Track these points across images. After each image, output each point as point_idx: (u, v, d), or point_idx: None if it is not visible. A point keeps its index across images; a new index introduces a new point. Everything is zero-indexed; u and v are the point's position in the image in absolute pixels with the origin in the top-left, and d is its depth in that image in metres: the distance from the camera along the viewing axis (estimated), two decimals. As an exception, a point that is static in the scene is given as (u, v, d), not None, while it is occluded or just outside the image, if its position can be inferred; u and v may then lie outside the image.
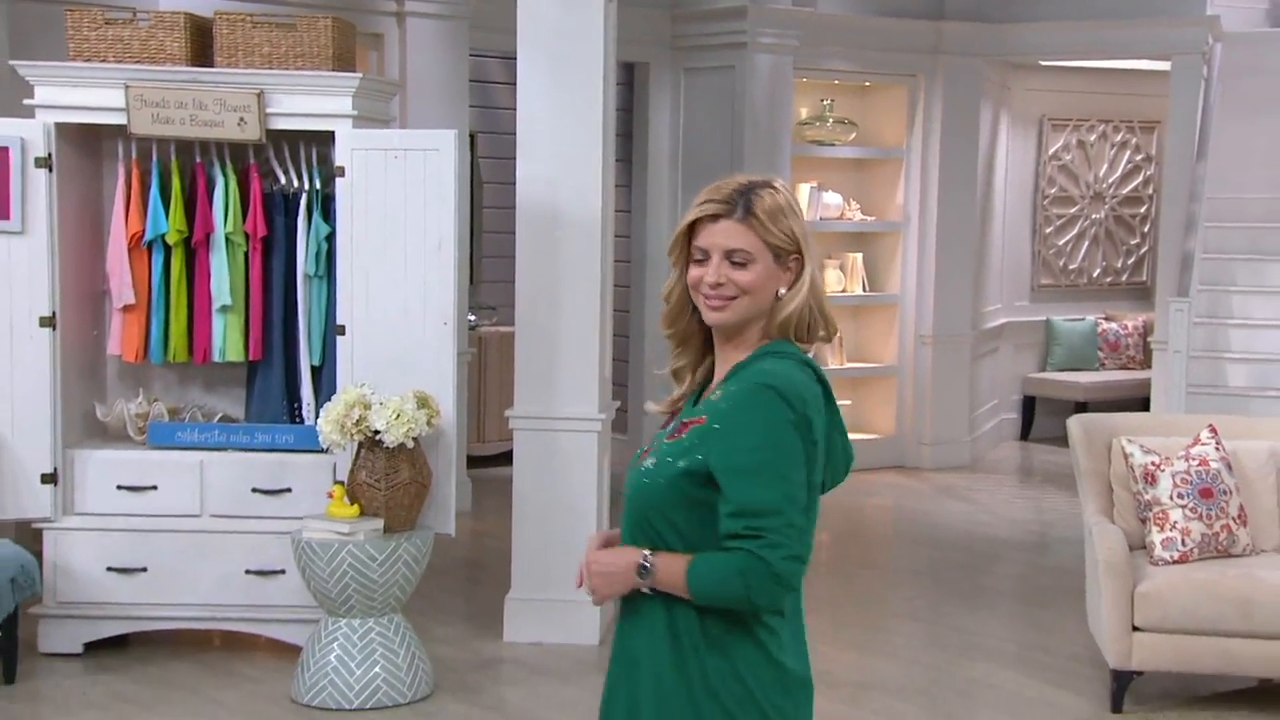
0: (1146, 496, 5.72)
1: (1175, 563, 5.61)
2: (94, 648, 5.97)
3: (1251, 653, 5.45)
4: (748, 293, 2.55)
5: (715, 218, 2.55)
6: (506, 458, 7.52)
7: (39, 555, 5.85)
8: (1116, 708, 5.54)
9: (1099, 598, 5.57)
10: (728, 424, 2.51)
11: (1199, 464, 5.72)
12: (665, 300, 2.69)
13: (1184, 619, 5.43)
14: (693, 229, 2.60)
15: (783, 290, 2.58)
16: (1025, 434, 11.82)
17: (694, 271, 2.59)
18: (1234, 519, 5.69)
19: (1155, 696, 5.73)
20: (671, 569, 2.54)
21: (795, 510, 2.47)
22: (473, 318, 9.68)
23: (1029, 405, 11.85)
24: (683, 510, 2.55)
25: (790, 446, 2.48)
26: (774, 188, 2.58)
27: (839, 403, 2.66)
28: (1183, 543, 5.62)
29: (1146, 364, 11.06)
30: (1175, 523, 5.64)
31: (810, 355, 2.61)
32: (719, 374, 2.64)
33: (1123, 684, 5.55)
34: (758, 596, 2.48)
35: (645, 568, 2.55)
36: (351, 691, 5.41)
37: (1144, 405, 10.09)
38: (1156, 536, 5.65)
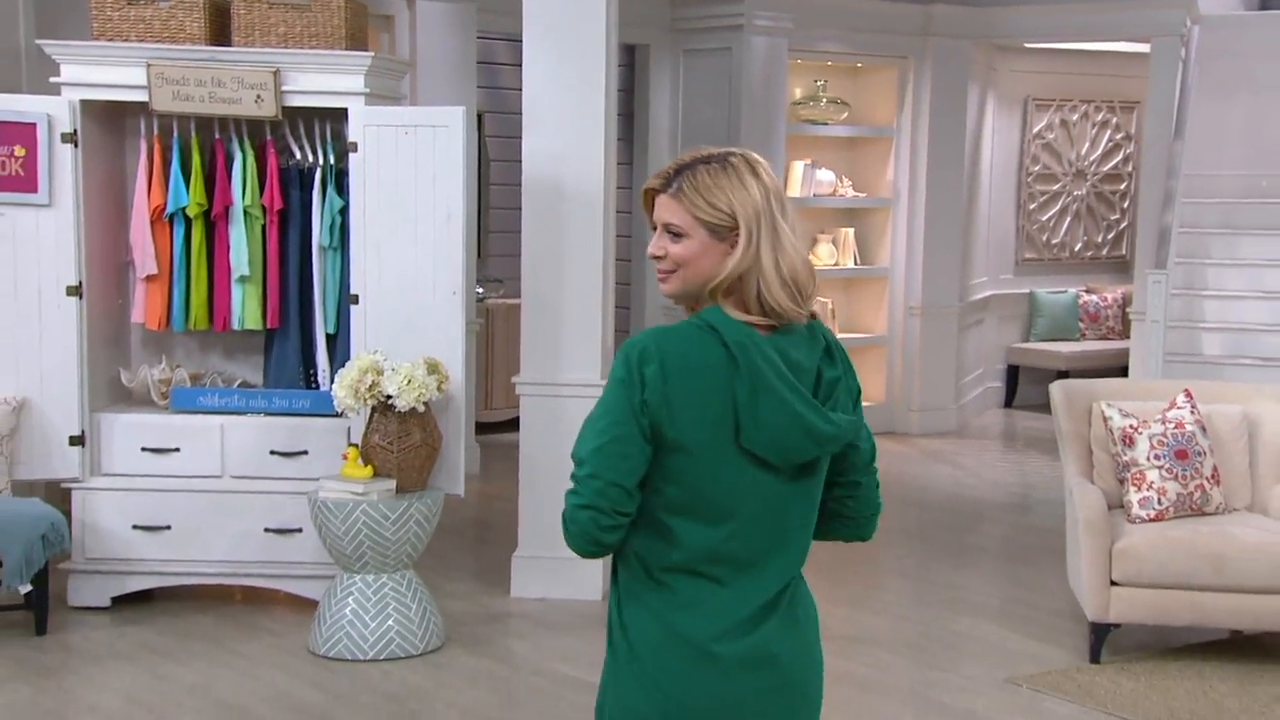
0: (1125, 458, 5.85)
1: (1151, 521, 5.75)
2: (120, 601, 6.11)
3: (1223, 605, 5.59)
4: (681, 265, 2.50)
5: (657, 191, 2.54)
6: (513, 424, 7.68)
7: (68, 514, 5.97)
8: (1095, 658, 5.67)
9: (1079, 554, 5.70)
10: None
11: (1175, 427, 5.85)
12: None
13: (1159, 574, 5.56)
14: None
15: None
16: (1009, 401, 11.97)
17: None
18: (1208, 479, 5.84)
19: (1132, 648, 5.86)
20: None
21: (603, 464, 2.43)
22: (480, 290, 9.74)
23: (1013, 374, 12.01)
24: None
25: (613, 404, 2.45)
26: (725, 163, 2.49)
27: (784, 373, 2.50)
28: (1159, 501, 5.76)
29: (1125, 334, 11.23)
30: (1152, 483, 5.78)
31: (747, 322, 2.48)
32: None
33: (1101, 636, 5.68)
34: (568, 540, 2.50)
35: None
36: (366, 643, 5.54)
37: (1123, 374, 10.17)
38: (1134, 496, 5.80)
